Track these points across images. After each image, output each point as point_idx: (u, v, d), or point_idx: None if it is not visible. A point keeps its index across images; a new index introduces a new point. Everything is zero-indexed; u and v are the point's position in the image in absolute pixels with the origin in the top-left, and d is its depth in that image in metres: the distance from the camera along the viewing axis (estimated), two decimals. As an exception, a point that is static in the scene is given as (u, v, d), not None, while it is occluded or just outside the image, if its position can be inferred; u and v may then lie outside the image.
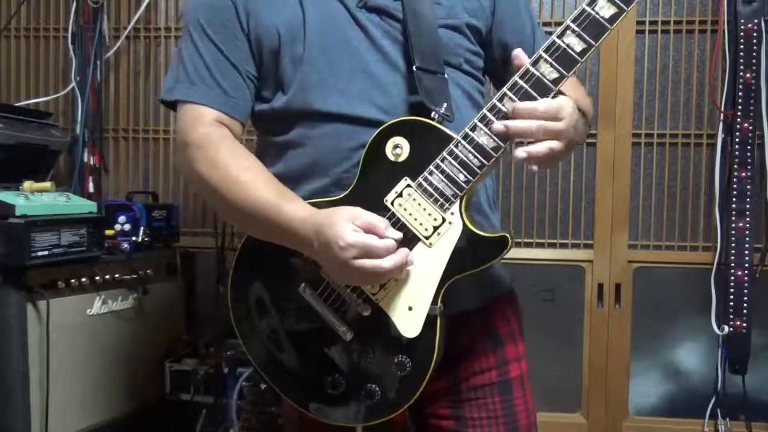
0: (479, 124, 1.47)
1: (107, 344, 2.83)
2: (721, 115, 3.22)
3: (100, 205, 2.94)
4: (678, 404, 3.35)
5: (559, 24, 3.23)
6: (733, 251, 3.20)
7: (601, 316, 3.35)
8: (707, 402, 3.27)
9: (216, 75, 1.64)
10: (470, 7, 1.71)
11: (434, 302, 1.51)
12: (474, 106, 1.70)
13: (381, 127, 1.54)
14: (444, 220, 1.49)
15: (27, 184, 2.67)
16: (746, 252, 3.19)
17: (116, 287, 2.86)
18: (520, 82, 1.45)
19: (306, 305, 1.61)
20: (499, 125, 1.45)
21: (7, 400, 2.44)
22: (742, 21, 3.17)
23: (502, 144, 1.45)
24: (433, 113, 1.54)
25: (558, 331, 3.37)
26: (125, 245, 2.96)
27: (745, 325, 3.19)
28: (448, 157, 1.48)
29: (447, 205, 1.49)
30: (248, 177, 1.57)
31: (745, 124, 3.17)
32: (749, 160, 3.17)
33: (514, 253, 1.50)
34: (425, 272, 1.51)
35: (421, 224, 1.50)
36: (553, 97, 1.45)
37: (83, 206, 2.76)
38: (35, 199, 2.59)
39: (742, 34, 3.17)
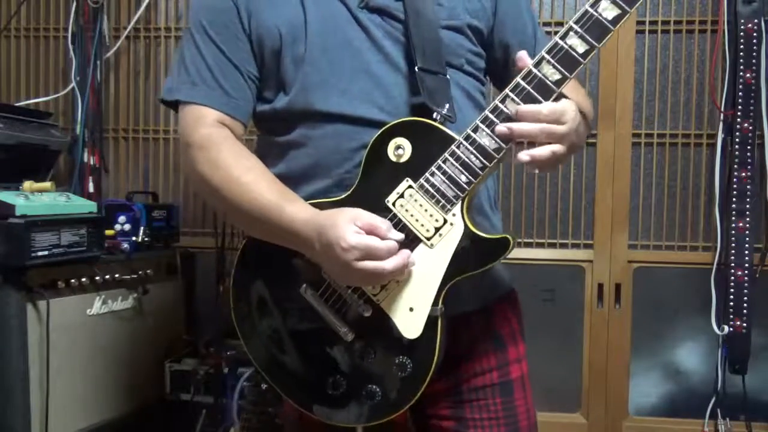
0: (481, 125, 1.47)
1: (107, 344, 2.82)
2: (721, 115, 3.22)
3: (100, 205, 2.94)
4: (678, 404, 3.35)
5: (559, 24, 3.29)
6: (733, 251, 3.20)
7: (601, 316, 3.35)
8: (707, 402, 3.27)
9: (218, 76, 1.64)
10: (472, 8, 1.70)
11: (435, 303, 1.51)
12: (476, 106, 1.70)
13: (383, 128, 1.54)
14: (445, 221, 1.49)
15: (27, 184, 2.67)
16: (746, 252, 3.19)
17: (116, 287, 2.86)
18: (522, 83, 1.45)
19: (307, 306, 1.61)
20: (502, 128, 1.45)
21: (7, 400, 2.43)
22: (742, 21, 3.17)
23: (503, 145, 1.45)
24: (435, 114, 1.54)
25: (558, 331, 3.37)
26: (125, 245, 2.96)
27: (745, 325, 3.19)
28: (449, 158, 1.48)
29: (448, 206, 1.49)
30: (250, 178, 1.58)
31: (745, 124, 3.17)
32: (749, 160, 3.17)
33: (514, 253, 1.50)
34: (426, 273, 1.51)
35: (422, 225, 1.50)
36: (555, 99, 1.44)
37: (83, 206, 2.76)
38: (35, 199, 2.59)
39: (742, 34, 3.17)
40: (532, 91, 1.44)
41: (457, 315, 1.59)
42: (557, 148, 1.45)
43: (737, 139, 3.18)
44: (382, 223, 1.45)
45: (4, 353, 2.42)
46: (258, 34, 1.64)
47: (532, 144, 1.45)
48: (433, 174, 1.49)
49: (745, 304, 3.19)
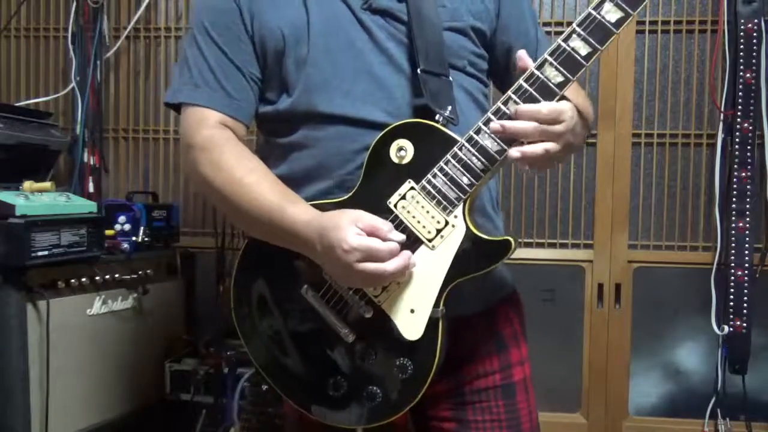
0: (483, 127, 1.46)
1: (107, 344, 2.82)
2: (721, 115, 3.22)
3: (100, 205, 2.94)
4: (678, 404, 3.35)
5: (559, 24, 3.29)
6: (733, 251, 3.20)
7: (601, 316, 3.35)
8: (707, 402, 3.27)
9: (220, 77, 1.64)
10: (475, 10, 1.70)
11: (436, 305, 1.51)
12: (478, 108, 1.70)
13: (385, 130, 1.54)
14: (447, 222, 1.49)
15: (27, 184, 2.66)
16: (746, 252, 3.19)
17: (116, 287, 2.86)
18: (525, 85, 1.44)
19: (308, 307, 1.61)
20: (496, 124, 1.45)
21: (7, 400, 2.43)
22: (742, 21, 3.17)
23: (506, 147, 1.45)
24: (437, 116, 1.54)
25: (558, 331, 3.37)
26: (125, 245, 2.96)
27: (745, 325, 3.19)
28: (452, 160, 1.48)
29: (450, 208, 1.49)
30: (252, 179, 1.57)
31: (745, 124, 3.17)
32: (749, 160, 3.17)
33: (514, 253, 1.50)
34: (428, 275, 1.51)
35: (424, 227, 1.50)
36: (556, 101, 1.44)
37: (83, 206, 2.76)
38: (35, 199, 2.59)
39: (742, 34, 3.17)
40: (534, 93, 1.44)
41: (458, 316, 1.59)
42: (551, 146, 1.44)
43: (737, 139, 3.18)
44: (383, 225, 1.45)
45: (4, 353, 2.42)
46: (261, 36, 1.64)
47: (529, 143, 1.45)
48: (435, 176, 1.49)
49: (745, 304, 3.19)
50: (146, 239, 3.07)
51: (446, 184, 1.49)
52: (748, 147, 3.17)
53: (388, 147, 1.53)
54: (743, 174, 3.18)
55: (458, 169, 1.48)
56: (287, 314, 1.66)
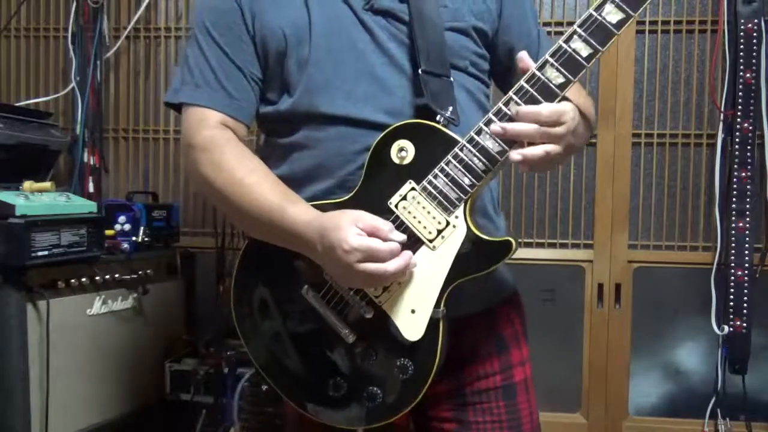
0: (485, 127, 1.46)
1: (107, 344, 2.82)
2: (721, 115, 3.22)
3: (100, 205, 2.93)
4: (678, 404, 3.35)
5: (559, 24, 3.29)
6: (733, 251, 3.20)
7: (601, 316, 3.35)
8: (707, 402, 3.27)
9: (221, 77, 1.64)
10: (477, 10, 1.70)
11: (437, 305, 1.51)
12: (480, 108, 1.70)
13: (386, 130, 1.54)
14: (448, 223, 1.49)
15: (27, 184, 2.66)
16: (746, 252, 3.20)
17: (116, 287, 2.85)
18: (526, 86, 1.44)
19: (309, 307, 1.61)
20: (496, 127, 1.45)
21: (7, 400, 2.43)
22: (742, 21, 3.17)
23: (507, 148, 1.45)
24: (438, 116, 1.54)
25: (558, 331, 3.37)
26: (125, 245, 2.96)
27: (745, 325, 3.19)
28: (453, 160, 1.48)
29: (451, 208, 1.49)
30: (253, 179, 1.57)
31: (745, 124, 3.17)
32: (749, 160, 3.17)
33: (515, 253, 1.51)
34: (428, 275, 1.51)
35: (425, 227, 1.50)
36: (557, 102, 1.44)
37: (83, 206, 2.76)
38: (35, 199, 2.59)
39: (742, 34, 3.17)
40: (535, 94, 1.44)
41: (459, 317, 1.59)
42: (552, 148, 1.44)
43: (737, 139, 3.18)
44: (384, 225, 1.45)
45: (4, 353, 2.42)
46: (262, 36, 1.63)
47: (530, 144, 1.45)
48: (436, 176, 1.49)
49: (745, 304, 3.19)
50: (146, 239, 3.06)
51: (447, 184, 1.48)
52: (748, 147, 3.17)
53: (389, 147, 1.53)
54: (743, 174, 3.18)
55: (459, 170, 1.48)
56: (288, 315, 1.66)
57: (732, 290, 3.20)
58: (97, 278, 2.72)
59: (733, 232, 3.20)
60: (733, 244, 3.20)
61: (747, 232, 3.19)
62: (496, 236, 1.53)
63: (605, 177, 3.35)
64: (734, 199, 3.19)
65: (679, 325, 3.33)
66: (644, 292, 3.34)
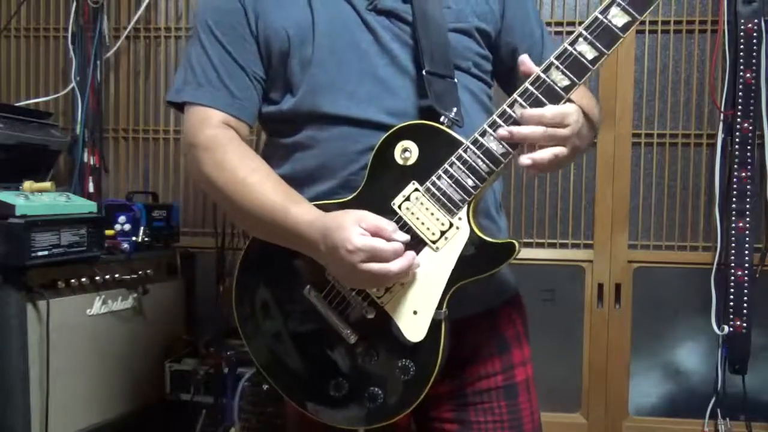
0: (489, 129, 1.46)
1: (107, 344, 2.82)
2: (721, 115, 3.23)
3: (100, 205, 2.93)
4: (678, 404, 3.35)
5: (559, 24, 3.29)
6: (733, 251, 3.20)
7: (601, 316, 3.35)
8: (707, 402, 3.27)
9: (223, 77, 1.64)
10: (480, 11, 1.70)
11: (439, 307, 1.51)
12: (483, 110, 1.70)
13: (390, 131, 1.54)
14: (451, 224, 1.49)
15: (27, 184, 2.66)
16: (746, 252, 3.20)
17: (116, 287, 2.85)
18: (531, 88, 1.44)
19: (310, 307, 1.61)
20: (503, 131, 1.44)
21: (7, 400, 2.43)
22: (742, 21, 3.17)
23: (511, 150, 1.45)
24: (442, 117, 1.53)
25: (558, 331, 3.37)
26: (125, 245, 2.96)
27: (745, 325, 3.19)
28: (456, 161, 1.48)
29: (455, 210, 1.48)
30: (255, 179, 1.57)
31: (745, 124, 3.17)
32: (749, 160, 3.17)
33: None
34: (431, 276, 1.51)
35: (428, 228, 1.50)
36: (561, 104, 1.44)
37: (83, 206, 2.76)
38: (35, 199, 2.59)
39: (742, 34, 3.17)
40: (540, 96, 1.43)
41: (461, 318, 1.58)
42: (559, 150, 1.44)
43: (737, 139, 3.18)
44: (387, 225, 1.45)
45: (4, 353, 2.42)
46: (265, 36, 1.63)
47: (533, 146, 1.45)
48: (439, 177, 1.49)
49: (745, 304, 3.19)
50: (146, 239, 3.06)
51: (451, 186, 1.48)
52: (748, 147, 3.17)
53: (392, 148, 1.53)
54: (743, 174, 3.18)
55: (463, 171, 1.47)
56: (289, 315, 1.66)
57: (732, 290, 3.20)
58: (97, 278, 2.72)
59: (733, 232, 3.20)
60: (733, 244, 3.20)
61: (747, 232, 3.19)
62: (499, 237, 1.53)
63: (605, 177, 3.35)
64: (734, 199, 3.19)
65: (679, 325, 3.33)
66: (644, 292, 3.35)
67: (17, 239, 2.42)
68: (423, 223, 1.50)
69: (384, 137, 1.54)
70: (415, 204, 1.50)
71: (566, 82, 1.43)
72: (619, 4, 1.41)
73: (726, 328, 3.21)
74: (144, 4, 3.52)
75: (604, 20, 1.42)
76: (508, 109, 1.46)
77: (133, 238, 3.01)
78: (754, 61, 3.16)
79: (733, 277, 3.19)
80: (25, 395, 2.45)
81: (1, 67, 3.74)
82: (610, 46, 1.42)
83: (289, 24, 1.61)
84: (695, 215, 3.34)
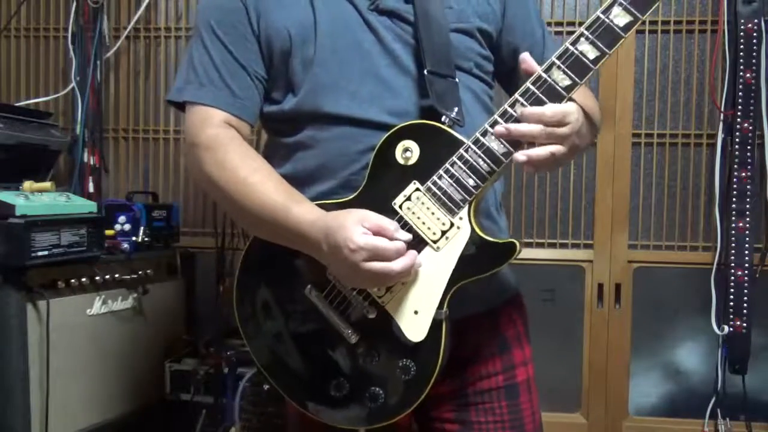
0: (490, 129, 1.46)
1: (107, 344, 2.82)
2: (721, 115, 3.23)
3: (100, 205, 2.93)
4: (678, 404, 3.35)
5: (559, 24, 3.29)
6: (733, 251, 3.20)
7: (601, 316, 3.35)
8: (707, 402, 3.27)
9: (225, 76, 1.64)
10: (481, 11, 1.70)
11: (440, 306, 1.50)
12: (484, 110, 1.70)
13: (391, 130, 1.54)
14: (452, 224, 1.49)
15: (27, 184, 2.66)
16: (746, 252, 3.20)
17: (116, 287, 2.86)
18: (532, 88, 1.44)
19: (311, 307, 1.60)
20: (501, 128, 1.44)
21: (7, 400, 2.43)
22: (742, 21, 3.17)
23: (512, 149, 1.45)
24: (443, 117, 1.53)
25: (558, 331, 3.37)
26: (125, 245, 2.96)
27: (745, 325, 3.19)
28: (458, 161, 1.48)
29: (456, 209, 1.48)
30: (256, 179, 1.57)
31: (745, 124, 3.17)
32: (749, 160, 3.17)
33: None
34: (432, 276, 1.50)
35: (429, 228, 1.50)
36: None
37: (83, 206, 2.76)
38: (35, 199, 2.59)
39: (742, 34, 3.17)
40: (541, 95, 1.43)
41: (462, 318, 1.58)
42: (556, 149, 1.44)
43: (737, 139, 3.18)
44: (389, 224, 1.44)
45: (4, 353, 2.42)
46: (267, 35, 1.63)
47: (533, 145, 1.45)
48: (440, 177, 1.49)
49: (745, 304, 3.19)
50: (146, 239, 3.06)
51: (452, 185, 1.48)
52: (748, 147, 3.18)
53: (393, 148, 1.53)
54: (743, 174, 3.18)
55: (464, 171, 1.47)
56: (290, 314, 1.66)
57: (732, 290, 3.20)
58: (97, 278, 2.73)
59: (733, 232, 3.20)
60: (733, 244, 3.20)
61: (747, 232, 3.19)
62: (500, 237, 1.53)
63: (605, 177, 3.35)
64: (734, 199, 3.19)
65: (679, 325, 3.33)
66: (644, 292, 3.35)
67: (17, 239, 2.42)
68: (424, 223, 1.50)
69: (385, 137, 1.54)
70: (416, 204, 1.50)
71: (568, 82, 1.43)
72: (620, 4, 1.41)
73: (726, 328, 3.21)
74: (144, 4, 3.52)
75: (606, 20, 1.42)
76: (509, 109, 1.46)
77: (133, 238, 3.01)
78: (754, 61, 3.16)
79: (733, 277, 3.19)
80: (25, 395, 2.46)
81: (1, 67, 3.74)
82: (612, 46, 1.42)
83: (291, 23, 1.61)
84: (695, 215, 3.34)
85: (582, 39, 1.42)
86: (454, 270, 1.49)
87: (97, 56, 3.48)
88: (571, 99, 1.45)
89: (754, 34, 3.16)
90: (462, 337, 1.62)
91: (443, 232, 1.49)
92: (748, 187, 3.18)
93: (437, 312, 1.50)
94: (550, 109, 1.42)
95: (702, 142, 3.32)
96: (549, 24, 3.36)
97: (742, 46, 3.16)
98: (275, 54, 1.63)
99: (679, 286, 3.33)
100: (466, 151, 1.48)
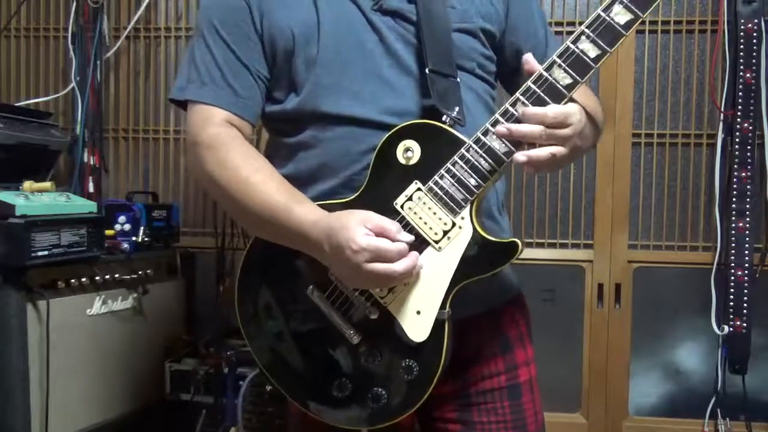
0: (491, 128, 1.46)
1: (107, 344, 2.82)
2: (721, 115, 3.23)
3: (100, 205, 2.94)
4: (678, 404, 3.35)
5: (559, 24, 3.29)
6: (733, 251, 3.20)
7: (601, 316, 3.35)
8: (707, 402, 3.27)
9: (227, 75, 1.63)
10: (484, 12, 1.69)
11: (443, 306, 1.50)
12: (486, 109, 1.69)
13: (392, 130, 1.53)
14: (454, 224, 1.48)
15: (27, 184, 2.66)
16: (746, 252, 3.20)
17: (116, 287, 2.86)
18: (533, 87, 1.44)
19: (313, 307, 1.60)
20: (502, 128, 1.44)
21: (7, 400, 2.43)
22: (742, 21, 3.17)
23: (514, 149, 1.44)
24: (445, 117, 1.53)
25: (558, 331, 3.37)
26: (125, 245, 2.96)
27: (745, 325, 3.19)
28: (459, 161, 1.47)
29: (457, 209, 1.48)
30: (258, 178, 1.57)
31: (745, 124, 3.17)
32: (749, 160, 3.18)
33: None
34: (434, 276, 1.50)
35: (431, 228, 1.49)
36: (564, 104, 1.44)
37: (83, 206, 2.76)
38: (35, 199, 2.59)
39: (742, 34, 3.17)
40: (542, 95, 1.43)
41: (464, 318, 1.58)
42: (557, 150, 1.43)
43: (737, 139, 3.19)
44: (392, 225, 1.44)
45: (4, 353, 2.42)
46: (270, 35, 1.63)
47: (534, 145, 1.45)
48: (442, 177, 1.48)
49: (745, 304, 3.19)
50: (146, 239, 3.06)
51: (453, 185, 1.48)
52: (748, 147, 3.18)
53: (394, 148, 1.52)
54: (743, 174, 3.18)
55: (465, 171, 1.47)
56: (292, 315, 1.65)
57: (732, 290, 3.20)
58: (97, 278, 2.73)
59: (733, 232, 3.20)
60: (733, 244, 3.20)
61: (747, 232, 3.19)
62: (502, 237, 1.52)
63: (605, 177, 3.35)
64: (734, 199, 3.20)
65: (679, 325, 3.34)
66: (644, 292, 3.35)
67: (17, 239, 2.43)
68: (426, 223, 1.49)
69: (386, 137, 1.53)
70: (418, 204, 1.50)
71: (569, 81, 1.43)
72: (621, 2, 1.41)
73: (726, 328, 3.21)
74: (144, 4, 3.52)
75: (607, 18, 1.41)
76: (510, 108, 1.45)
77: (133, 238, 3.02)
78: (754, 61, 3.16)
79: (733, 277, 3.20)
80: (25, 395, 2.46)
81: (1, 67, 3.74)
82: (613, 44, 1.42)
83: (295, 23, 1.61)
84: (695, 215, 3.34)
85: (583, 37, 1.42)
86: (456, 270, 1.49)
87: (97, 56, 3.48)
88: (572, 98, 1.44)
89: (754, 34, 3.16)
90: (464, 338, 1.62)
91: (445, 232, 1.49)
92: (748, 187, 3.18)
93: (440, 312, 1.50)
94: (552, 110, 1.42)
95: (702, 142, 3.32)
96: (549, 24, 3.34)
97: (742, 46, 3.17)
98: (278, 53, 1.63)
99: (679, 286, 3.33)
100: (468, 150, 1.47)
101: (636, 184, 3.36)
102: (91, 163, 3.49)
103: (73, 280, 2.62)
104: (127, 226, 3.03)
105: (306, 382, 1.65)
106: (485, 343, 1.71)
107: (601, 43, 1.41)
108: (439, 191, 1.49)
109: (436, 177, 1.49)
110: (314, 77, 1.60)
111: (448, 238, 1.49)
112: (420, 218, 1.50)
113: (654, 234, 3.36)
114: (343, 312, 1.58)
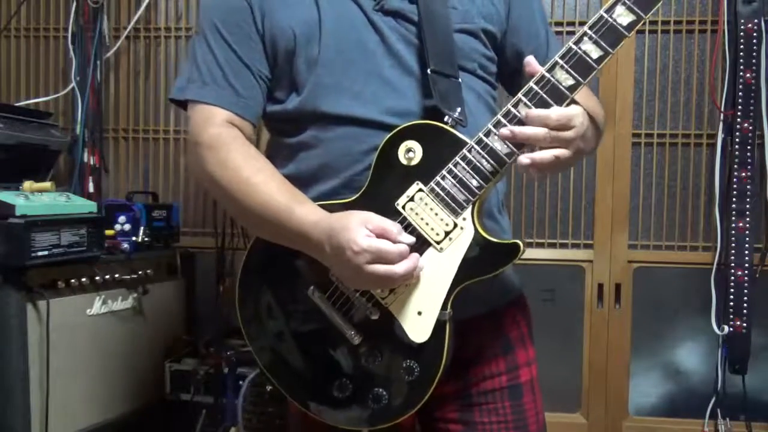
0: (493, 129, 1.46)
1: (107, 344, 2.82)
2: (721, 115, 3.23)
3: (100, 205, 2.94)
4: (678, 404, 3.35)
5: (559, 24, 3.29)
6: (733, 251, 3.20)
7: (601, 316, 3.35)
8: (707, 402, 3.27)
9: (228, 75, 1.63)
10: (486, 12, 1.69)
11: (444, 307, 1.50)
12: (488, 110, 1.69)
13: (394, 131, 1.53)
14: (456, 225, 1.48)
15: (27, 184, 2.66)
16: (746, 252, 3.20)
17: (116, 287, 2.86)
18: (536, 88, 1.43)
19: (314, 308, 1.60)
20: (506, 130, 1.44)
21: (7, 400, 2.43)
22: (742, 21, 3.17)
23: (516, 150, 1.44)
24: (446, 117, 1.53)
25: (558, 331, 3.36)
26: (125, 245, 2.96)
27: (745, 325, 3.19)
28: (461, 162, 1.47)
29: (459, 210, 1.48)
30: (259, 179, 1.56)
31: (745, 124, 3.17)
32: (749, 160, 3.18)
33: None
34: (436, 277, 1.50)
35: (432, 229, 1.49)
36: (566, 105, 1.43)
37: (83, 206, 2.76)
38: (35, 199, 2.59)
39: (742, 34, 3.17)
40: (545, 96, 1.43)
41: (466, 319, 1.58)
42: (560, 152, 1.43)
43: (737, 139, 3.18)
44: (393, 227, 1.44)
45: (4, 353, 2.42)
46: (271, 35, 1.63)
47: (537, 147, 1.44)
48: (444, 178, 1.48)
49: (745, 304, 3.19)
50: (146, 239, 3.06)
51: (455, 186, 1.47)
52: (748, 147, 3.18)
53: (396, 148, 1.52)
54: (743, 174, 3.18)
55: (467, 171, 1.47)
56: (293, 315, 1.65)
57: (732, 290, 3.20)
58: (97, 278, 2.73)
59: (733, 232, 3.20)
60: (733, 244, 3.20)
61: (747, 232, 3.19)
62: (503, 238, 1.53)
63: (605, 177, 3.35)
64: (734, 199, 3.19)
65: (679, 325, 3.34)
66: (644, 292, 3.35)
67: (17, 239, 2.43)
68: (427, 224, 1.49)
69: (387, 137, 1.53)
70: (419, 204, 1.50)
71: (571, 82, 1.42)
72: (624, 3, 1.41)
73: (726, 328, 3.21)
74: (144, 4, 3.52)
75: (609, 19, 1.41)
76: (512, 109, 1.45)
77: (133, 238, 3.02)
78: (754, 61, 3.16)
79: (733, 277, 3.20)
80: (25, 395, 2.46)
81: (1, 67, 3.74)
82: (615, 45, 1.41)
83: (296, 23, 1.61)
84: (695, 215, 3.34)
85: (585, 38, 1.42)
86: (457, 271, 1.49)
87: (97, 56, 3.48)
88: (574, 99, 1.44)
89: (754, 34, 3.16)
90: (465, 338, 1.62)
91: (446, 233, 1.49)
92: (748, 187, 3.18)
93: (441, 313, 1.50)
94: (555, 113, 1.42)
95: (702, 142, 3.32)
96: (549, 24, 3.35)
97: (742, 46, 3.17)
98: (279, 53, 1.63)
99: (679, 286, 3.33)
100: (470, 151, 1.47)
101: (636, 184, 3.36)
102: (91, 163, 3.49)
103: (73, 280, 2.62)
104: (127, 226, 3.03)
105: (307, 382, 1.65)
106: (486, 343, 1.71)
107: (604, 45, 1.41)
108: (440, 192, 1.49)
109: (437, 178, 1.49)
110: (315, 77, 1.60)
111: (450, 238, 1.49)
112: (421, 219, 1.50)
113: (654, 234, 3.36)
114: (344, 312, 1.57)
